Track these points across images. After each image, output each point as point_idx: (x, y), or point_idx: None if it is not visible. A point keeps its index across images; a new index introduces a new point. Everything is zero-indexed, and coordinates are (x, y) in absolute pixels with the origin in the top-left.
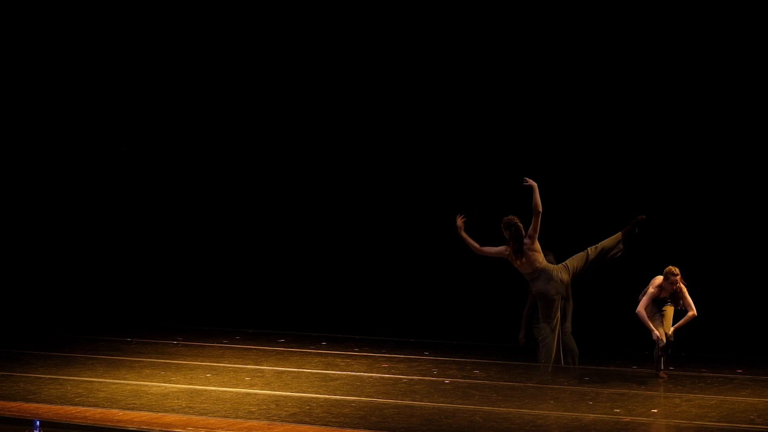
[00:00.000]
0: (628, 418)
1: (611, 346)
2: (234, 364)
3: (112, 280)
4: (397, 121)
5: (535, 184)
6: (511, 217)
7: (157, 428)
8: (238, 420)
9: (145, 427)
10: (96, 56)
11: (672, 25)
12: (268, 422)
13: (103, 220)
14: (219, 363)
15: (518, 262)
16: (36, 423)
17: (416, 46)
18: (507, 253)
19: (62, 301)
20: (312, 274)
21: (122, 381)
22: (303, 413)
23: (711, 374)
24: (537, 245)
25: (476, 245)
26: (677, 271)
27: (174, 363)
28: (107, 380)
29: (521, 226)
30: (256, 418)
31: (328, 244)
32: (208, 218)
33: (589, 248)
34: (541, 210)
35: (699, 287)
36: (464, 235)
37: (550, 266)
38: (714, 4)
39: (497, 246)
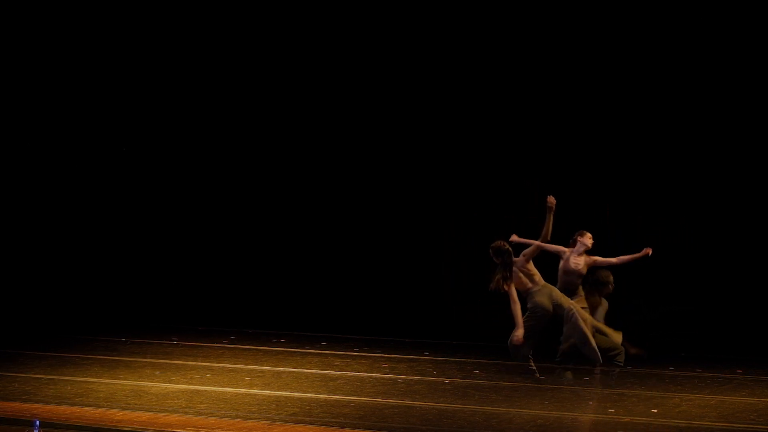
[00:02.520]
0: (627, 419)
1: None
2: (233, 364)
3: (107, 281)
4: (397, 120)
5: (552, 212)
6: (500, 243)
7: (158, 428)
8: (238, 420)
9: (146, 428)
10: (96, 56)
11: (670, 27)
12: (268, 422)
13: (99, 220)
14: (219, 363)
15: (511, 284)
16: (36, 423)
17: (416, 48)
18: (503, 287)
19: (58, 302)
20: (311, 274)
21: (121, 381)
22: (303, 413)
23: (711, 374)
24: (531, 264)
25: (517, 311)
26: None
27: (173, 363)
28: (106, 380)
29: (511, 251)
30: (256, 418)
31: (328, 244)
32: (207, 218)
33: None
34: (549, 240)
35: (701, 287)
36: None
37: (552, 287)
38: (714, 4)
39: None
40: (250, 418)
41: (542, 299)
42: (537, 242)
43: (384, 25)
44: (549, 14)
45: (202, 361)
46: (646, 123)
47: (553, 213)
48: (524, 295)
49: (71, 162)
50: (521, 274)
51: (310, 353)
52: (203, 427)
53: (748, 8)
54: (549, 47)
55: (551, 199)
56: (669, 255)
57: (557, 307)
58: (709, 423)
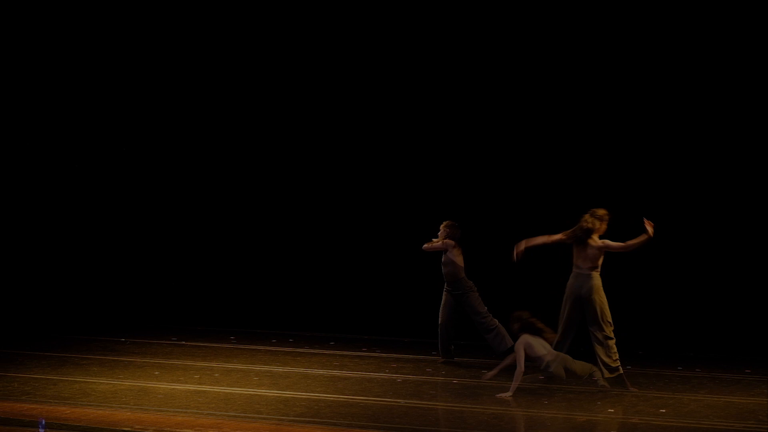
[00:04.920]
0: (636, 419)
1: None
2: (242, 364)
3: (107, 281)
4: (402, 117)
5: (651, 233)
6: (597, 212)
7: (158, 428)
8: (247, 420)
9: (146, 428)
10: (96, 56)
11: (670, 28)
12: (277, 422)
13: (98, 220)
14: (227, 364)
15: (578, 245)
16: (41, 422)
17: (414, 48)
18: (573, 234)
19: (58, 302)
20: (320, 274)
21: (121, 381)
22: (311, 413)
23: (719, 374)
24: (602, 257)
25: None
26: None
27: (181, 364)
28: (106, 380)
29: (591, 228)
30: (264, 418)
31: (336, 244)
32: (209, 218)
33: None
34: (629, 251)
35: (706, 286)
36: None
37: (595, 289)
38: (713, 4)
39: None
40: (258, 418)
41: (575, 282)
42: (623, 245)
43: (383, 25)
44: (548, 15)
45: (210, 362)
46: (646, 123)
47: (648, 237)
48: (576, 266)
49: (71, 162)
50: (595, 252)
51: (318, 353)
52: (212, 427)
53: (748, 8)
54: (548, 48)
55: (651, 229)
56: (674, 255)
57: (583, 300)
58: (718, 422)
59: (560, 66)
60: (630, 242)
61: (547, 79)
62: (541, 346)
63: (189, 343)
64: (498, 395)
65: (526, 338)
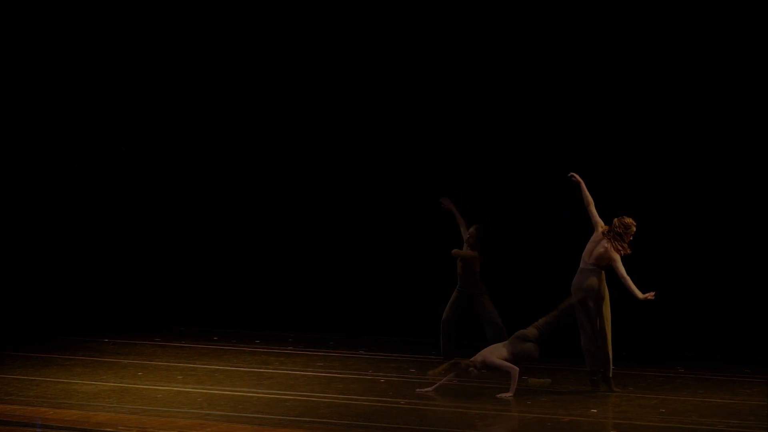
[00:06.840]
0: (635, 419)
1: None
2: (241, 366)
3: (91, 281)
4: (402, 117)
5: (643, 297)
6: (625, 220)
7: (150, 429)
8: (246, 422)
9: (137, 429)
10: (96, 56)
11: (669, 31)
12: (276, 423)
13: (83, 221)
14: (225, 366)
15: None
16: (38, 424)
17: (414, 49)
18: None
19: (41, 303)
20: (319, 274)
21: (104, 383)
22: (310, 414)
23: (718, 374)
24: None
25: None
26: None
27: (164, 365)
28: (89, 381)
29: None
30: (264, 417)
31: (334, 245)
32: (201, 218)
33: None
34: (622, 282)
35: (705, 286)
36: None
37: (601, 276)
38: (714, 4)
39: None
40: (257, 419)
41: (578, 278)
42: (623, 276)
43: (383, 25)
44: (547, 16)
45: (208, 364)
46: (645, 124)
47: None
48: (587, 262)
49: (67, 162)
50: (604, 254)
51: (317, 354)
52: (194, 428)
53: (749, 9)
54: (546, 49)
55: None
56: (669, 255)
57: (585, 295)
58: (716, 422)
59: (564, 70)
60: (629, 281)
61: (551, 83)
62: (496, 348)
63: (173, 344)
64: (498, 395)
65: (483, 353)
